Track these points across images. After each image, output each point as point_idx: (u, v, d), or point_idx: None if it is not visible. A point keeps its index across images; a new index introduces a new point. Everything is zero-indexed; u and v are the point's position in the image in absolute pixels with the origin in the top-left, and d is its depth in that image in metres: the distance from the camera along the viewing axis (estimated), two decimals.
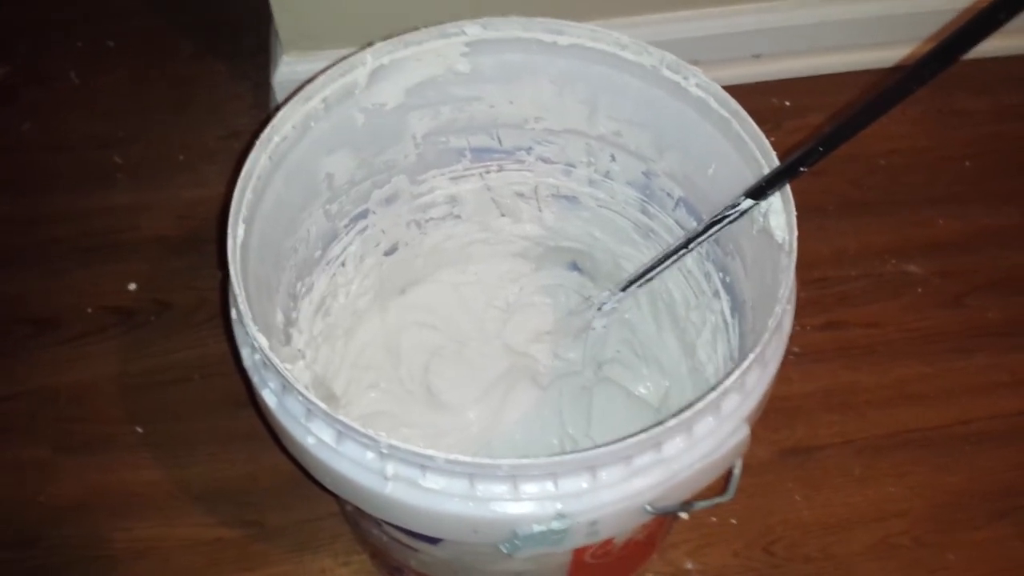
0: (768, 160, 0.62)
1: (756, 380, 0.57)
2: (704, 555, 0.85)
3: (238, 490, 0.88)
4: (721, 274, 0.72)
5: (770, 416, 0.90)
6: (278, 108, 0.65)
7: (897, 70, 0.47)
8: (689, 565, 0.84)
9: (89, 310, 0.98)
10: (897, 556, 0.85)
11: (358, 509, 0.62)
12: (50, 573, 0.84)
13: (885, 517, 0.87)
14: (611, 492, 0.53)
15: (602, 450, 0.51)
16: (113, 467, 0.89)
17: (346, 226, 0.77)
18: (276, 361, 0.54)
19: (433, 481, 0.53)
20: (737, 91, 0.65)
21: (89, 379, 0.94)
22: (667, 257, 0.70)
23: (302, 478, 0.84)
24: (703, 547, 0.85)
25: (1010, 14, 0.43)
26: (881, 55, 1.15)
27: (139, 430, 0.91)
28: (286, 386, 0.55)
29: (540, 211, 0.85)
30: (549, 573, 0.67)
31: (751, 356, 0.54)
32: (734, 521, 0.86)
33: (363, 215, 0.78)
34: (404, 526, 0.58)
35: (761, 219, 0.62)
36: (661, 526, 0.75)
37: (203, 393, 0.93)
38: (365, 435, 0.52)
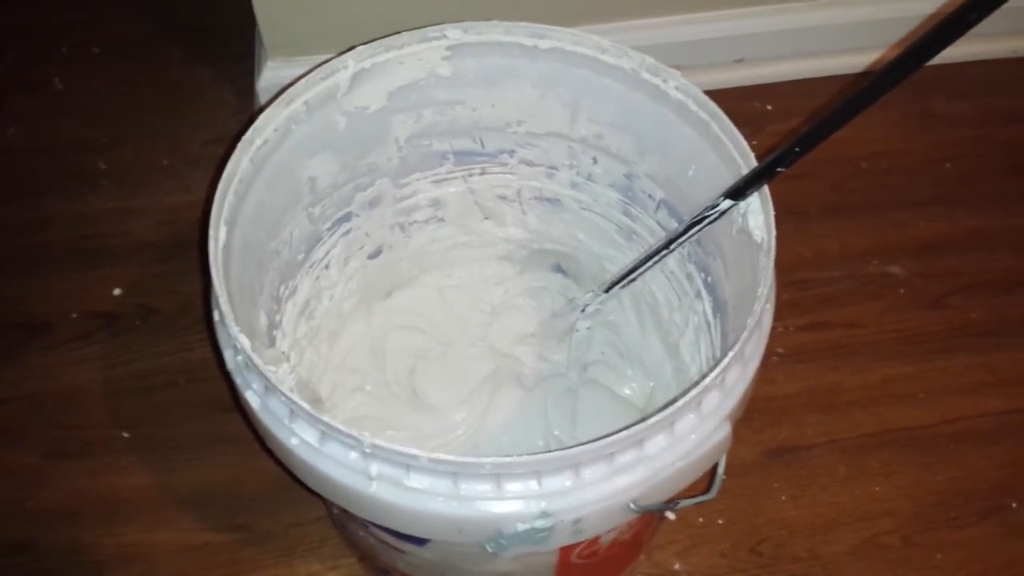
0: (747, 161, 0.62)
1: (737, 377, 0.57)
2: (691, 556, 0.85)
3: (226, 494, 0.88)
4: (703, 274, 0.73)
5: (755, 416, 0.91)
6: (260, 111, 0.65)
7: (872, 74, 0.48)
8: (677, 566, 0.84)
9: (74, 315, 0.98)
10: (884, 555, 0.85)
11: (344, 511, 0.62)
12: None
13: (871, 516, 0.87)
14: (595, 490, 0.53)
15: (585, 448, 0.51)
16: (101, 472, 0.89)
17: (329, 229, 0.78)
18: (258, 361, 0.54)
19: (417, 481, 0.53)
20: (720, 95, 0.65)
21: (76, 384, 0.94)
22: (649, 258, 0.70)
23: (289, 482, 0.84)
24: (690, 548, 0.85)
25: (981, 15, 0.44)
26: (863, 59, 1.15)
27: (125, 435, 0.91)
28: (269, 387, 0.55)
29: (523, 214, 0.86)
30: (536, 574, 0.68)
31: (731, 353, 0.54)
32: (721, 521, 0.87)
33: (346, 218, 0.79)
34: (389, 527, 0.58)
35: (740, 219, 0.62)
36: (647, 526, 0.75)
37: (189, 397, 0.93)
38: (348, 435, 0.52)
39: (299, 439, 0.55)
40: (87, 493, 0.88)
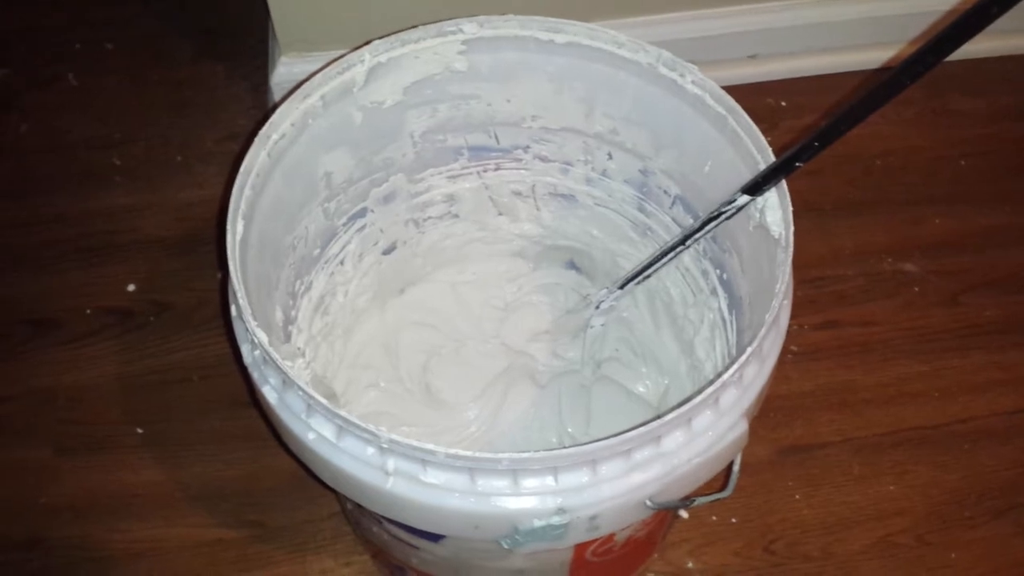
0: (764, 156, 0.62)
1: (754, 374, 0.57)
2: (704, 554, 0.85)
3: (238, 490, 0.88)
4: (718, 271, 0.72)
5: (769, 414, 0.91)
6: (276, 106, 0.65)
7: (890, 69, 0.48)
8: (690, 564, 0.84)
9: (88, 311, 0.98)
10: (897, 555, 0.85)
11: (359, 507, 0.62)
12: (50, 574, 0.84)
13: (885, 515, 0.87)
14: (611, 487, 0.53)
15: (602, 444, 0.51)
16: (113, 468, 0.89)
17: (344, 225, 0.78)
18: (276, 356, 0.54)
19: (434, 476, 0.53)
20: (733, 91, 0.65)
21: (89, 380, 0.94)
22: (664, 254, 0.70)
23: (303, 478, 0.85)
24: (703, 546, 0.85)
25: (1002, 8, 0.43)
26: (876, 55, 1.15)
27: (139, 431, 0.91)
28: (286, 382, 0.55)
29: (538, 210, 0.85)
30: (551, 571, 0.67)
31: (749, 349, 0.54)
32: (734, 520, 0.86)
33: (361, 214, 0.79)
34: (405, 522, 0.58)
35: (757, 215, 0.62)
36: (661, 523, 0.75)
37: (203, 393, 0.93)
38: (366, 430, 0.52)
39: (316, 434, 0.55)
40: (98, 489, 0.88)
